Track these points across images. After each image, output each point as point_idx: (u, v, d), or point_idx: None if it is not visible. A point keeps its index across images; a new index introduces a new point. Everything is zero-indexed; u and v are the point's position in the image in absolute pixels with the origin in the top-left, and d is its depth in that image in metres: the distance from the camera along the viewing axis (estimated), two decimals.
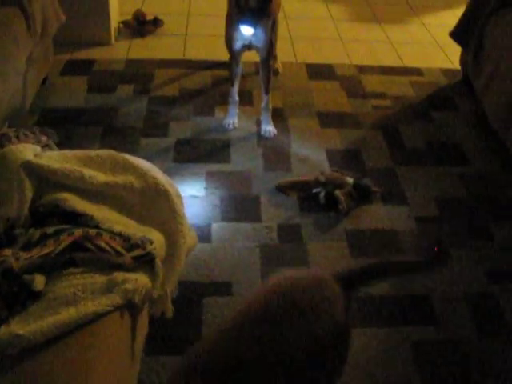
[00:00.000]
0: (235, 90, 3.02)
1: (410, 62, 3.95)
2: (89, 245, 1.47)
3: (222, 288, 2.17)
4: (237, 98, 3.05)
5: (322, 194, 2.56)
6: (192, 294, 2.14)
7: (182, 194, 2.51)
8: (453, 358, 2.01)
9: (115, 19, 3.94)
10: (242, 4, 2.65)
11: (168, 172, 2.63)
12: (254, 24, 2.71)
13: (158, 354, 1.93)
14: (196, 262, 2.26)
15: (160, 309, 1.58)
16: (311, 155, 2.91)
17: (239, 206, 2.55)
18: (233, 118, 3.07)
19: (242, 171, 2.76)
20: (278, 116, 3.17)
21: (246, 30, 2.73)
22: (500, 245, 2.48)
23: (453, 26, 3.58)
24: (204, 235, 2.38)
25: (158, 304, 1.57)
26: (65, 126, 2.96)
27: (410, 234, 2.50)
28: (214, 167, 2.76)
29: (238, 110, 3.09)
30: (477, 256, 2.42)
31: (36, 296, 1.37)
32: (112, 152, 1.78)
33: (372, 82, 3.62)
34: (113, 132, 2.97)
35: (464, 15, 3.54)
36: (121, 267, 1.47)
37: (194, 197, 2.58)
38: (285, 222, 2.48)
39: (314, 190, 2.59)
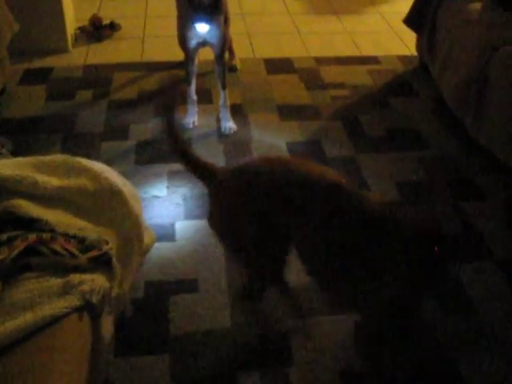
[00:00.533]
0: (193, 88, 3.03)
1: (368, 51, 4.00)
2: (44, 249, 1.46)
3: (188, 285, 2.18)
4: (195, 97, 3.05)
5: None
6: (158, 294, 2.14)
7: (145, 195, 2.55)
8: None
9: (71, 25, 3.93)
10: (195, 2, 2.66)
11: (129, 174, 2.67)
12: (208, 21, 2.72)
13: (127, 355, 1.93)
14: (161, 261, 2.26)
15: (119, 308, 1.58)
16: (272, 148, 2.92)
17: (202, 203, 2.55)
18: (193, 117, 3.07)
19: None
20: (237, 112, 3.18)
21: (202, 28, 2.74)
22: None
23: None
24: (168, 234, 2.39)
25: (118, 303, 1.57)
26: (24, 135, 2.94)
27: None
28: (175, 166, 2.75)
29: (197, 109, 3.09)
30: None
31: None
32: (66, 156, 1.77)
33: (330, 73, 3.65)
34: (73, 138, 2.96)
35: (416, 1, 3.59)
36: (77, 269, 1.47)
37: (156, 197, 2.58)
38: None
39: None
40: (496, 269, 2.30)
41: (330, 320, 2.07)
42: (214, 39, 2.80)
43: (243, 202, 1.68)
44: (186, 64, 2.97)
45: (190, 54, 2.90)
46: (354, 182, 2.71)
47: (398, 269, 1.50)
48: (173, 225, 2.44)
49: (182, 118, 3.10)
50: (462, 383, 1.88)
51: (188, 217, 2.48)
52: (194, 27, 2.74)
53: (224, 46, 2.87)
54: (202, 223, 2.44)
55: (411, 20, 3.62)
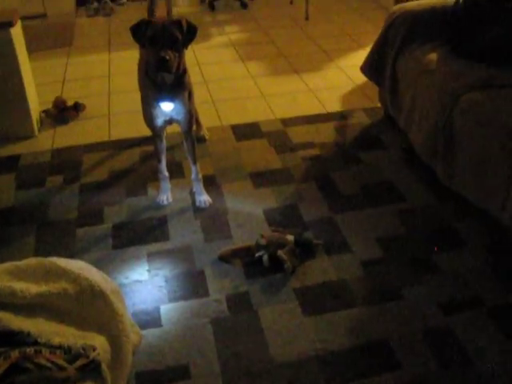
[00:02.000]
0: (163, 165, 3.02)
1: (332, 107, 4.05)
2: (28, 365, 1.42)
3: (180, 372, 2.12)
4: (166, 173, 3.05)
5: (266, 257, 2.56)
6: (149, 383, 2.08)
7: (126, 281, 2.51)
8: None
9: (35, 110, 3.92)
10: (158, 82, 2.67)
11: (108, 259, 2.64)
12: (172, 99, 2.73)
13: None
14: (148, 349, 2.20)
15: None
16: (249, 218, 2.91)
17: (185, 283, 2.52)
18: (166, 194, 3.06)
19: (182, 247, 2.73)
20: (210, 183, 3.18)
21: (167, 107, 2.75)
22: (447, 275, 2.52)
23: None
24: (153, 319, 2.33)
25: None
26: None
27: (357, 281, 2.51)
28: (154, 247, 2.73)
29: (169, 185, 3.08)
30: (427, 290, 2.44)
31: None
32: (42, 259, 1.74)
33: (298, 134, 3.68)
34: (47, 227, 2.91)
35: (372, 52, 3.67)
36: (66, 381, 1.42)
37: (137, 281, 2.53)
38: (233, 292, 2.46)
39: (257, 254, 2.58)
40: (487, 317, 2.29)
41: None
42: (180, 116, 2.81)
43: None
44: (154, 142, 2.97)
45: (157, 133, 2.90)
46: (335, 244, 2.71)
47: None
48: (158, 309, 2.39)
49: (155, 195, 3.09)
50: None
51: (172, 299, 2.43)
52: (159, 106, 2.75)
53: (191, 121, 2.87)
54: (187, 304, 2.41)
55: (368, 68, 3.69)
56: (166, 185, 3.07)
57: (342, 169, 3.30)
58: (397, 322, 2.30)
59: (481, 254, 2.63)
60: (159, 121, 2.82)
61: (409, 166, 3.28)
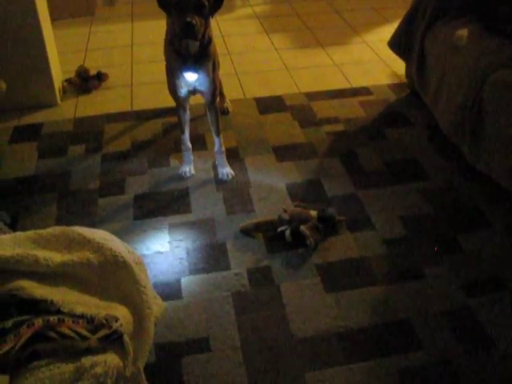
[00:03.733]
0: (187, 136, 2.99)
1: (358, 82, 3.99)
2: (51, 333, 1.41)
3: (200, 345, 2.11)
4: (189, 145, 3.02)
5: (288, 232, 2.53)
6: (169, 356, 2.08)
7: (147, 252, 2.50)
8: (441, 380, 1.98)
9: (58, 79, 3.90)
10: (183, 51, 2.63)
11: (129, 230, 2.63)
12: (196, 69, 2.69)
13: None
14: (169, 321, 2.20)
15: None
16: (272, 192, 2.88)
17: (206, 255, 2.50)
18: (188, 166, 3.04)
19: (204, 219, 2.71)
20: (233, 156, 3.15)
21: (190, 77, 2.71)
22: (471, 255, 2.48)
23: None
24: (174, 292, 2.33)
25: (132, 382, 1.51)
26: (19, 197, 2.89)
27: (380, 258, 2.48)
28: (176, 219, 2.72)
29: (192, 157, 3.05)
30: (450, 270, 2.41)
31: None
32: (65, 228, 1.72)
33: (323, 108, 3.63)
34: (69, 196, 2.90)
35: (400, 27, 3.59)
36: (88, 351, 1.42)
37: (159, 253, 2.53)
38: (254, 266, 2.44)
39: (279, 229, 2.56)
40: (510, 299, 2.26)
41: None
42: (204, 87, 2.77)
43: None
44: (177, 113, 2.94)
45: (181, 103, 2.87)
46: (358, 221, 2.68)
47: None
48: (178, 281, 2.38)
49: (178, 166, 3.06)
50: None
51: (193, 271, 2.42)
52: (183, 76, 2.71)
53: (215, 92, 2.84)
54: (208, 277, 2.39)
55: (395, 43, 3.62)
56: (189, 157, 3.04)
57: (366, 145, 3.25)
58: (418, 302, 2.27)
59: (506, 236, 2.58)
60: (183, 91, 2.79)
61: (434, 144, 3.23)
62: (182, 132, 2.98)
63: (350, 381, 1.98)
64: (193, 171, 3.04)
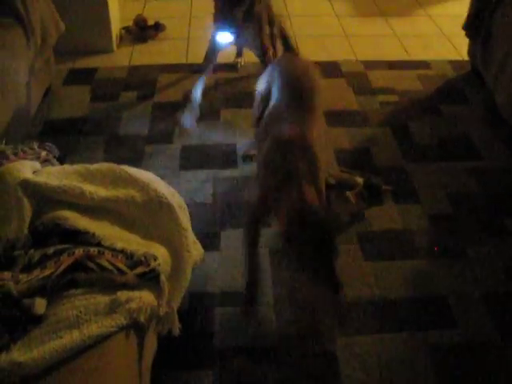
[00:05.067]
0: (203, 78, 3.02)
1: (417, 55, 3.88)
2: (90, 264, 1.42)
3: (233, 298, 2.12)
4: (200, 92, 3.01)
5: (333, 197, 2.50)
6: (202, 306, 2.09)
7: (189, 202, 2.49)
8: (473, 360, 1.94)
9: (116, 26, 3.90)
10: (224, 11, 2.61)
11: (174, 179, 2.63)
12: (233, 32, 2.67)
13: (169, 369, 1.88)
14: (206, 271, 2.21)
15: (166, 327, 1.53)
16: None
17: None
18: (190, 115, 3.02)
19: (249, 176, 2.69)
20: None
21: (224, 37, 2.70)
22: None
23: (462, 17, 3.51)
24: (213, 243, 2.33)
25: (165, 322, 1.52)
26: (69, 137, 2.92)
27: (423, 233, 2.44)
28: (222, 173, 2.71)
29: (198, 110, 3.04)
30: (493, 253, 2.35)
31: (37, 320, 1.33)
32: (112, 165, 1.73)
33: (379, 78, 3.55)
34: (117, 140, 2.92)
35: (472, 6, 3.46)
36: (124, 286, 1.43)
37: (201, 204, 2.53)
38: None
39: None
40: None
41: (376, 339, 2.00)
42: (249, 46, 2.77)
43: None
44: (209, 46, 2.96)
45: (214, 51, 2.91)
46: (404, 193, 2.63)
47: None
48: (218, 233, 2.38)
49: (227, 121, 3.04)
50: None
51: (233, 225, 2.42)
52: (219, 34, 2.70)
53: (262, 48, 2.80)
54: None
55: (470, 26, 3.49)
56: (195, 106, 3.01)
57: (420, 119, 3.17)
58: (458, 280, 2.23)
59: None
60: (220, 45, 2.84)
61: (490, 125, 3.13)
62: (203, 66, 3.00)
63: (380, 350, 1.96)
64: (194, 124, 3.00)
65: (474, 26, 3.39)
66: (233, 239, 2.36)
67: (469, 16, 3.46)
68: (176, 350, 1.92)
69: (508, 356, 1.96)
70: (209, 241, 2.33)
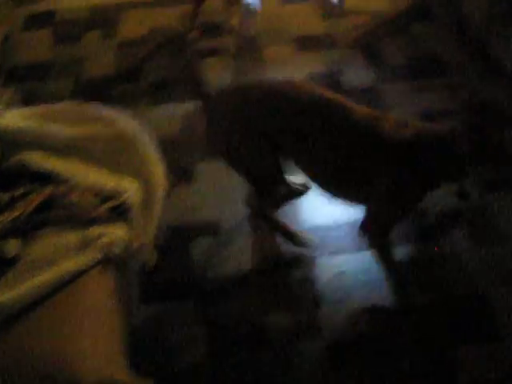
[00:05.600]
0: None
1: None
2: (60, 202, 1.41)
3: (210, 228, 2.13)
4: None
5: None
6: (180, 237, 2.10)
7: (162, 137, 2.46)
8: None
9: None
10: None
11: (144, 115, 2.58)
12: None
13: (152, 301, 1.91)
14: (181, 204, 2.21)
15: (142, 258, 1.54)
16: None
17: None
18: None
19: None
20: (252, 46, 3.06)
21: None
22: None
23: None
24: (186, 176, 2.33)
25: (139, 255, 1.52)
26: (33, 83, 2.86)
27: None
28: (192, 106, 2.67)
29: None
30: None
31: (12, 261, 1.33)
32: (77, 103, 1.70)
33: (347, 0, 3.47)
34: (84, 83, 2.87)
35: None
36: (96, 221, 1.42)
37: (173, 138, 2.50)
38: None
39: None
40: None
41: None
42: None
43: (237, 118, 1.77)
44: None
45: None
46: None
47: (383, 171, 1.65)
48: (191, 166, 2.37)
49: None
50: (493, 318, 1.84)
51: (207, 157, 2.40)
52: None
53: None
54: (221, 164, 2.37)
55: None
56: None
57: (389, 39, 3.13)
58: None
59: None
60: None
61: (459, 41, 3.08)
62: None
63: (360, 267, 1.99)
64: None
65: None
66: (207, 171, 2.35)
67: None
68: (156, 282, 1.94)
69: None
70: (183, 174, 2.32)
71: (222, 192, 2.26)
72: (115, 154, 1.60)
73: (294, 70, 2.90)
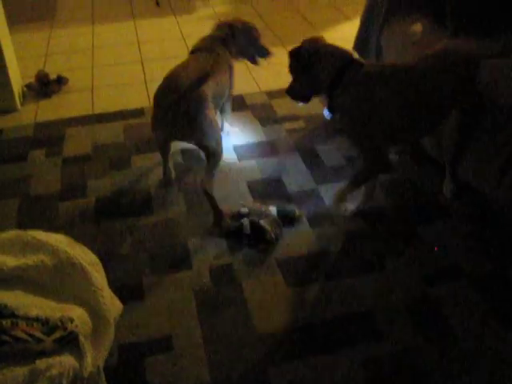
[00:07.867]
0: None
1: None
2: (4, 337, 1.41)
3: (162, 344, 2.12)
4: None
5: (246, 222, 2.54)
6: (132, 357, 2.07)
7: (108, 254, 2.49)
8: (402, 369, 2.00)
9: (17, 84, 3.87)
10: None
11: (91, 233, 2.61)
12: None
13: None
14: (132, 322, 2.20)
15: None
16: (232, 191, 2.89)
17: (168, 256, 2.51)
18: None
19: (165, 220, 2.72)
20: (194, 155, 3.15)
21: None
22: (430, 246, 2.52)
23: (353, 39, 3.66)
24: (136, 293, 2.33)
25: (91, 382, 1.51)
26: None
27: (342, 252, 2.51)
28: (138, 220, 2.71)
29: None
30: (411, 262, 2.44)
31: None
32: (20, 232, 1.72)
33: (283, 106, 3.65)
34: (30, 202, 2.89)
35: (360, 27, 3.62)
36: (43, 353, 1.42)
37: (121, 255, 2.52)
38: (216, 264, 2.45)
39: (240, 222, 2.57)
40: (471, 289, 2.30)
41: None
42: None
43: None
44: None
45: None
46: (319, 215, 2.70)
47: None
48: (140, 282, 2.38)
49: (138, 168, 3.05)
50: None
51: (155, 272, 2.43)
52: None
53: None
54: (169, 277, 2.40)
55: (359, 46, 3.64)
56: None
57: (326, 141, 3.28)
58: (379, 293, 2.30)
59: (465, 225, 2.63)
60: None
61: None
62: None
63: (313, 374, 2.00)
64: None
65: (364, 46, 3.55)
66: (155, 286, 2.36)
67: (357, 37, 3.62)
68: None
69: (434, 359, 2.03)
70: (132, 291, 2.33)
71: (171, 306, 2.26)
72: (60, 282, 1.61)
73: (235, 178, 3.00)
